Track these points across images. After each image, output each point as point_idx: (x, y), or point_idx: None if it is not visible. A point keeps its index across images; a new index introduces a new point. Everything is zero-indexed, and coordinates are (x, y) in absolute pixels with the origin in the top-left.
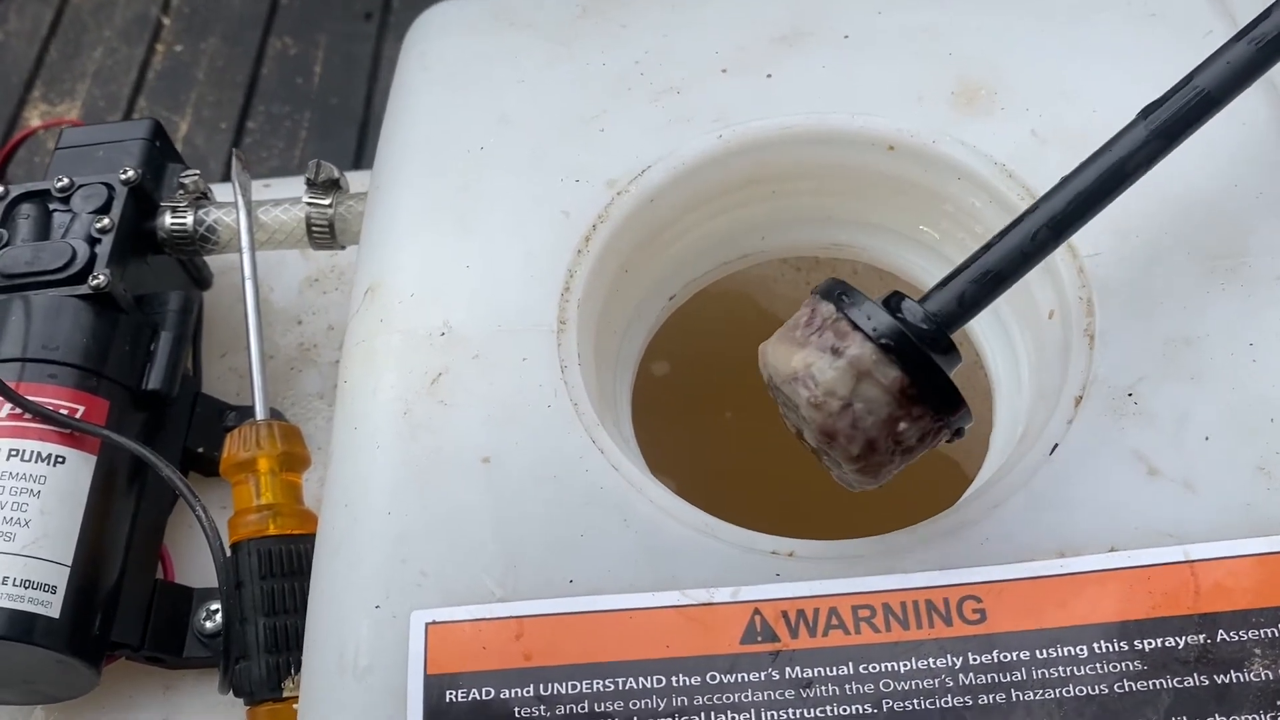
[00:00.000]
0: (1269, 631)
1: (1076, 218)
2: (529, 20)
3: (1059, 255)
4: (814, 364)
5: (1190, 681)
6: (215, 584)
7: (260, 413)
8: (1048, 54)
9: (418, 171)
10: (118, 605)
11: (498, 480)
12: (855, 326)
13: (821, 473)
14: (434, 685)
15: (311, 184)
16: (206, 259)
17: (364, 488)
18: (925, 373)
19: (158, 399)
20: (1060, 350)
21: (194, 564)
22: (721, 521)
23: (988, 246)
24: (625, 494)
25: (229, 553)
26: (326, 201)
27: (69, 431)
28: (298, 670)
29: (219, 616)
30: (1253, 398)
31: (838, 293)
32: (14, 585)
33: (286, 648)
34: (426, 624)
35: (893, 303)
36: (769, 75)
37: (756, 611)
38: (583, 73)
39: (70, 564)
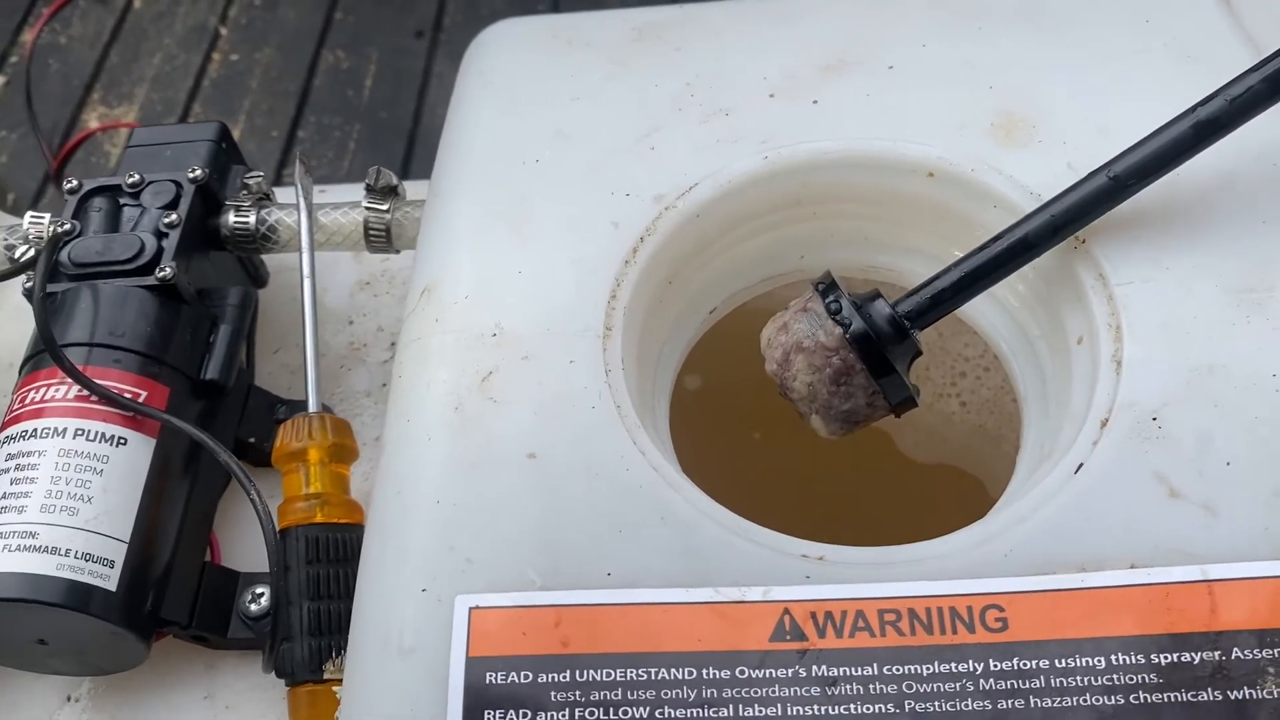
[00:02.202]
0: None
1: (1044, 241)
2: (587, 39)
3: (1089, 284)
4: (786, 326)
5: (1204, 697)
6: (259, 569)
7: (313, 405)
8: (1085, 90)
9: (476, 181)
10: (168, 584)
11: (542, 475)
12: (824, 306)
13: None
14: (475, 667)
15: (371, 189)
16: (264, 258)
17: (415, 477)
18: (859, 346)
19: (214, 388)
20: (1088, 375)
21: (239, 549)
22: (754, 524)
23: (962, 260)
24: (664, 494)
25: (268, 539)
26: (384, 207)
27: (131, 415)
28: (339, 653)
29: (264, 599)
30: (1274, 426)
31: (821, 285)
32: (75, 558)
33: (329, 631)
34: (470, 608)
35: (863, 295)
36: (815, 101)
37: (786, 611)
38: (637, 92)
39: (128, 541)
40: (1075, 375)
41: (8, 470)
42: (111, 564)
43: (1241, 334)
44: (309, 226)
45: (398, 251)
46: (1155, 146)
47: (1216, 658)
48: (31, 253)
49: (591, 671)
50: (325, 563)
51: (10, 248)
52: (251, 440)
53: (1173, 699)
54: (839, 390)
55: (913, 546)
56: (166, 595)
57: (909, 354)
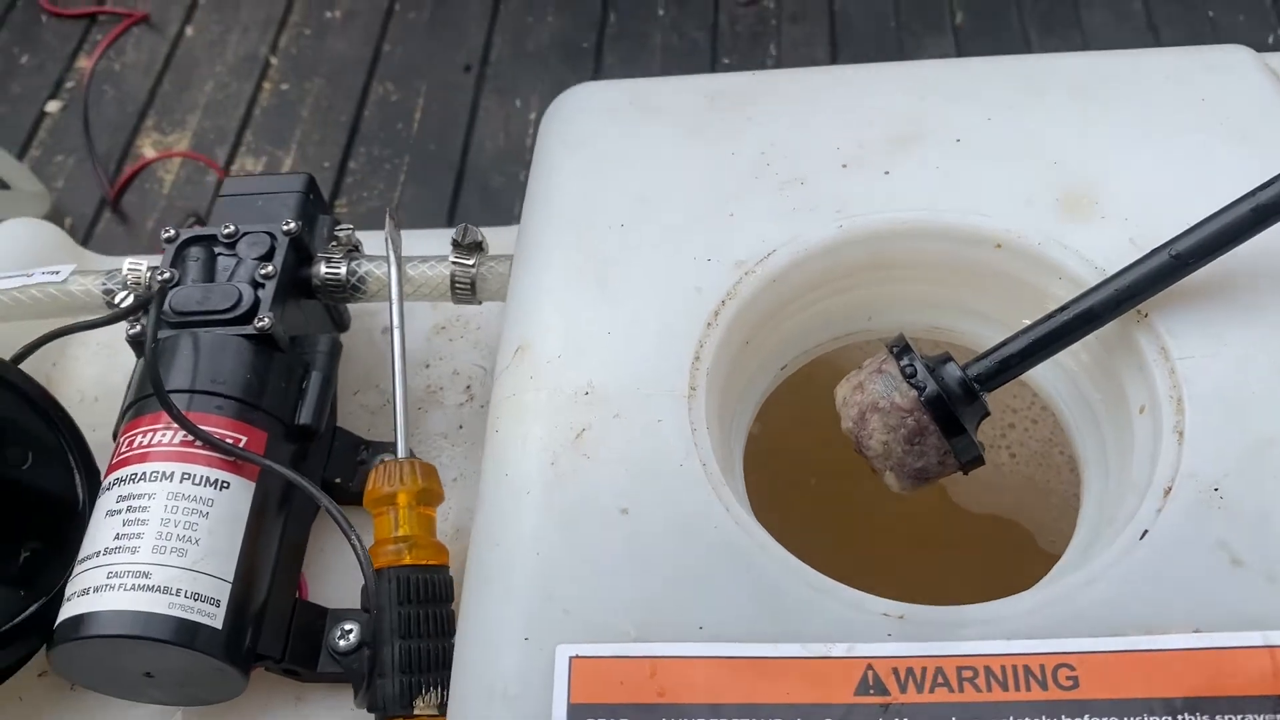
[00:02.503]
0: None
1: (1108, 312)
2: (660, 105)
3: (1151, 356)
4: (862, 386)
5: None
6: (343, 605)
7: (402, 451)
8: (1144, 167)
9: (563, 242)
10: (264, 620)
11: (635, 530)
12: (899, 369)
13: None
14: (576, 713)
15: (458, 245)
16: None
17: (515, 530)
18: (934, 409)
19: (307, 433)
20: (1149, 443)
21: (323, 586)
22: (838, 583)
23: (1030, 328)
24: (750, 552)
25: (367, 580)
26: (470, 262)
27: (233, 459)
28: (428, 690)
29: (352, 636)
30: None
31: (896, 348)
32: (185, 597)
33: (419, 669)
34: (570, 657)
35: (935, 358)
36: (886, 172)
37: (869, 667)
38: (713, 160)
39: (231, 580)
40: (1137, 443)
41: (119, 511)
42: (218, 603)
43: None
44: (399, 280)
45: (480, 303)
46: (1216, 227)
47: None
48: (131, 299)
49: None
50: (415, 603)
51: (109, 292)
52: (337, 480)
53: None
54: (913, 449)
55: (986, 606)
56: (263, 630)
57: (978, 415)
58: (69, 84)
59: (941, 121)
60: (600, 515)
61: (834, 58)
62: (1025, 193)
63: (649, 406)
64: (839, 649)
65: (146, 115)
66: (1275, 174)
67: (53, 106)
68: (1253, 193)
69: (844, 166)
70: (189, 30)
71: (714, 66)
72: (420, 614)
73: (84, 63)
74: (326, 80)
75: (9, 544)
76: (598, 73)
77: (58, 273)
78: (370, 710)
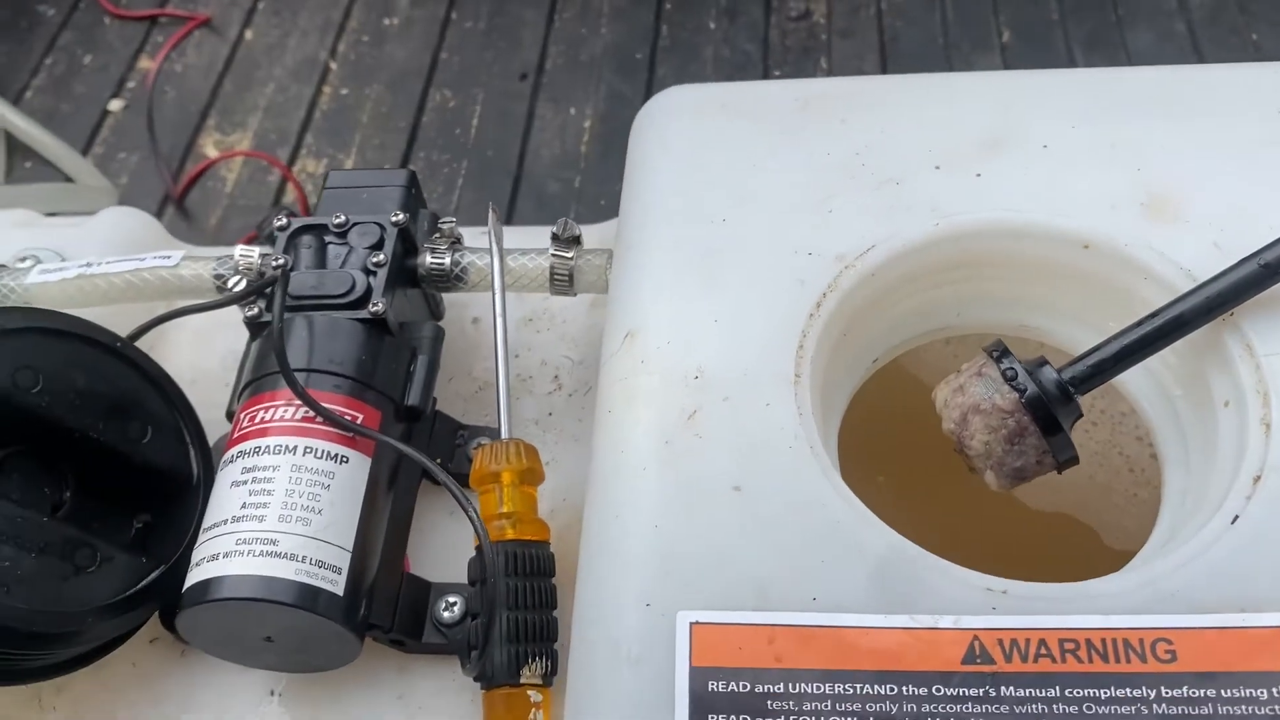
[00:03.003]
0: None
1: (1199, 319)
2: (752, 110)
3: (1237, 353)
4: (963, 389)
5: None
6: (448, 580)
7: (505, 433)
8: (1229, 174)
9: (666, 236)
10: (375, 590)
11: (747, 507)
12: (1000, 372)
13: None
14: (698, 675)
15: (557, 238)
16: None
17: (633, 503)
18: (1034, 410)
19: (414, 413)
20: (1235, 436)
21: (424, 565)
22: (942, 559)
23: (1123, 333)
24: (859, 530)
25: (485, 553)
26: (569, 255)
27: (350, 435)
28: (534, 660)
29: (456, 608)
30: None
31: (996, 352)
32: (309, 563)
33: (526, 639)
34: (691, 623)
35: (1032, 361)
36: (978, 174)
37: (976, 638)
38: (810, 160)
39: (350, 550)
40: (1221, 436)
41: (245, 482)
42: (339, 570)
43: None
44: (501, 270)
45: (574, 295)
46: None
47: None
48: (244, 283)
49: (803, 684)
50: (522, 575)
51: (219, 277)
52: (438, 461)
53: None
54: (1013, 449)
55: (1084, 584)
56: (374, 601)
57: (1073, 416)
58: (130, 84)
59: (1028, 128)
60: (714, 492)
61: (884, 73)
62: (1111, 197)
63: (757, 390)
64: (946, 621)
65: (208, 115)
66: None
67: (115, 105)
68: None
69: (937, 168)
70: (248, 34)
71: (765, 78)
72: (527, 586)
73: (145, 63)
74: (385, 86)
75: (128, 513)
76: (651, 84)
77: (169, 257)
78: (478, 679)
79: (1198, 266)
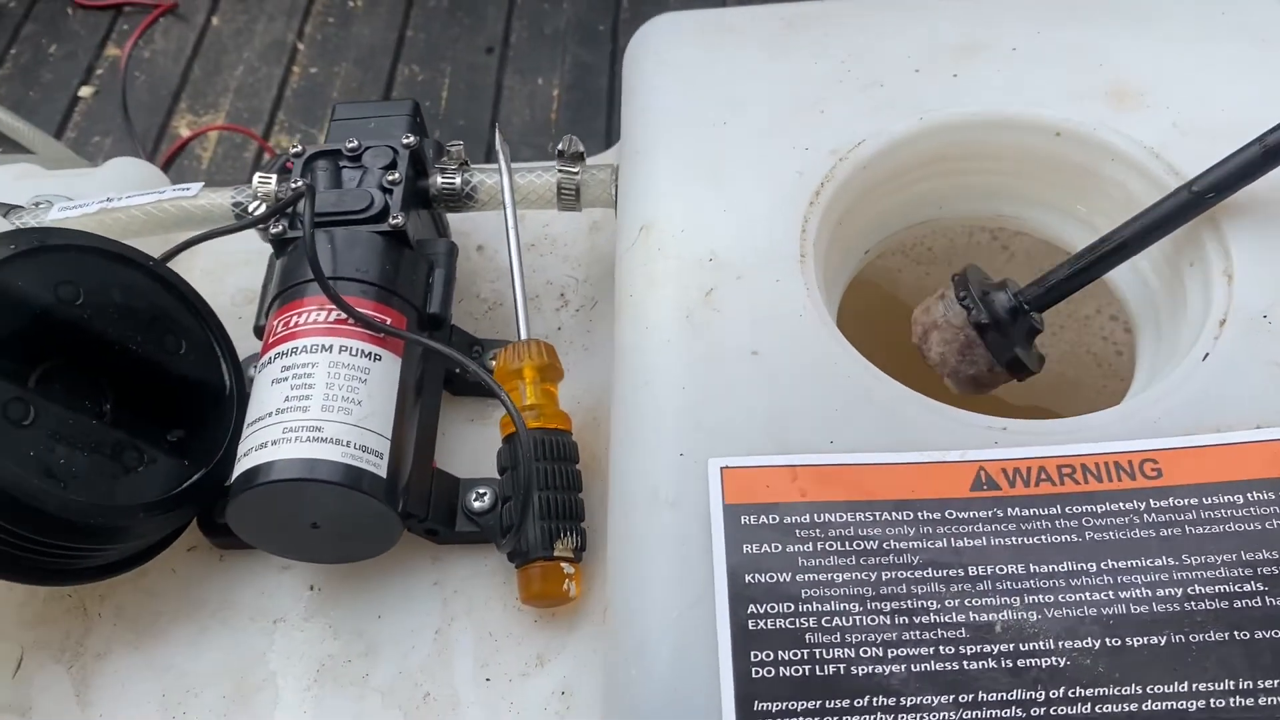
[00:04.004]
0: None
1: (1138, 244)
2: (741, 30)
3: (1200, 220)
4: (928, 309)
5: None
6: (473, 477)
7: (524, 334)
8: (1184, 66)
9: (672, 140)
10: (410, 482)
11: (765, 367)
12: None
13: None
14: (732, 511)
15: (562, 155)
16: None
17: (661, 369)
18: (980, 329)
19: (436, 321)
20: (1201, 288)
21: (447, 466)
22: (946, 404)
23: (1074, 259)
24: (868, 382)
25: (520, 436)
26: (575, 170)
27: (381, 335)
28: (565, 535)
29: (486, 498)
30: None
31: (957, 277)
32: (353, 448)
33: (557, 517)
34: (721, 468)
35: (993, 284)
36: (955, 75)
37: (982, 468)
38: (799, 70)
39: (389, 438)
40: (1189, 292)
41: (286, 379)
42: (380, 455)
43: None
44: (510, 184)
45: (580, 210)
46: (1231, 167)
47: None
48: (264, 208)
49: (828, 514)
50: (551, 460)
51: (238, 204)
52: (456, 371)
53: None
54: (964, 360)
55: (1077, 418)
56: (410, 492)
57: (1026, 331)
58: (99, 71)
59: (998, 34)
60: (734, 357)
61: None
62: (1077, 90)
63: (768, 269)
64: (954, 455)
65: (179, 99)
66: None
67: (85, 92)
68: (1262, 136)
69: (917, 71)
70: (215, 20)
71: None
72: (556, 469)
73: (113, 51)
74: (353, 64)
75: (165, 425)
76: (615, 54)
77: (188, 189)
78: (512, 557)
79: (1160, 145)
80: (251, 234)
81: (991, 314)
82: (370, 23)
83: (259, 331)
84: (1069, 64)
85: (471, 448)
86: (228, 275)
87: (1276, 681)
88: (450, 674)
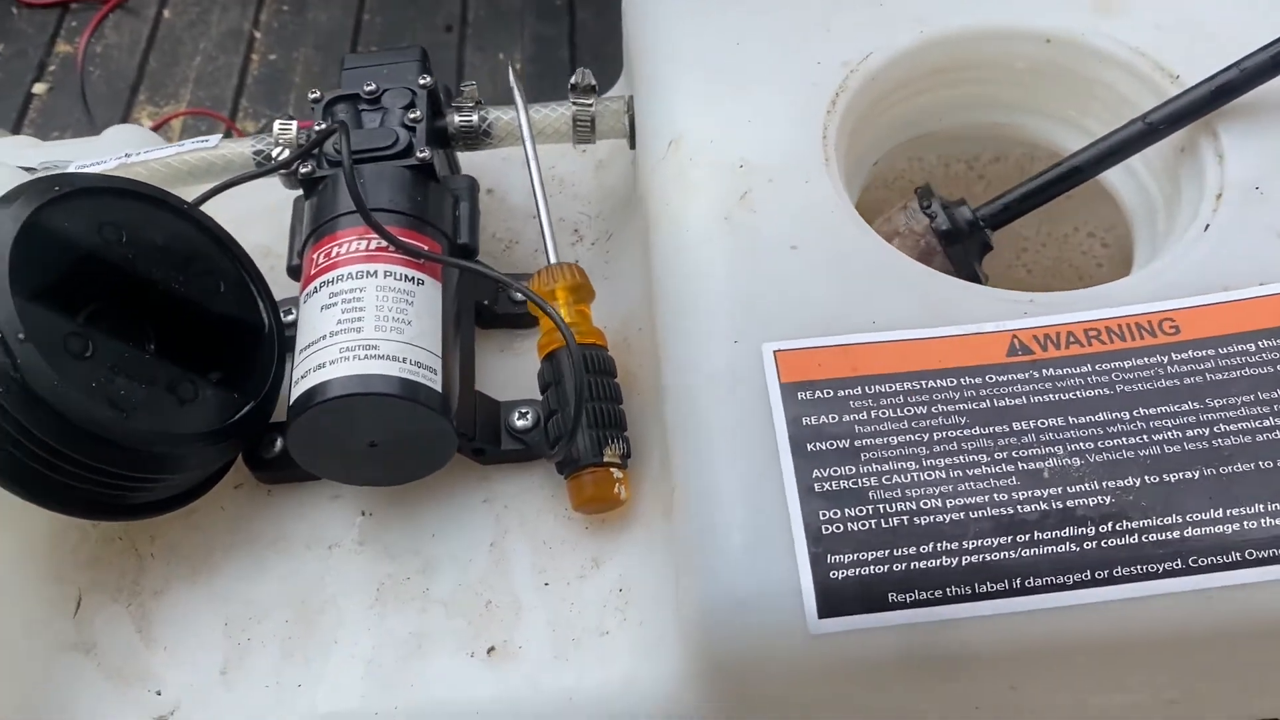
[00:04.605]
0: None
1: (1092, 169)
2: None
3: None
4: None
5: None
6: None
7: (553, 258)
8: None
9: (690, 59)
10: (458, 401)
11: (805, 259)
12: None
13: None
14: (789, 388)
15: (575, 88)
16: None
17: (706, 266)
18: (941, 236)
19: (466, 251)
20: (1194, 171)
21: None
22: (975, 284)
23: (1027, 181)
24: (902, 268)
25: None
26: (589, 102)
27: (421, 261)
28: (613, 442)
29: (529, 416)
30: None
31: (920, 190)
32: (409, 364)
33: (603, 425)
34: (774, 351)
35: (953, 201)
36: None
37: (1015, 336)
38: None
39: (440, 355)
40: (1183, 175)
41: (335, 304)
42: (434, 371)
43: None
44: (527, 117)
45: (595, 141)
46: (1183, 102)
47: None
48: (286, 153)
49: (878, 385)
50: (594, 373)
51: (259, 153)
52: (485, 302)
53: None
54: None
55: (1096, 288)
56: (459, 411)
57: (979, 246)
58: (51, 67)
59: None
60: (775, 251)
61: None
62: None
63: (797, 171)
64: (989, 326)
65: (138, 91)
66: (1234, 61)
67: (39, 89)
68: (1215, 75)
69: None
70: (166, 12)
71: None
72: (600, 382)
73: (63, 47)
74: (313, 48)
75: (212, 359)
76: (574, 27)
77: (208, 140)
78: (561, 467)
79: (1144, 44)
80: (263, 191)
81: (952, 222)
82: (326, 8)
83: (293, 272)
84: None
85: (505, 376)
86: (240, 233)
87: None
88: (509, 582)
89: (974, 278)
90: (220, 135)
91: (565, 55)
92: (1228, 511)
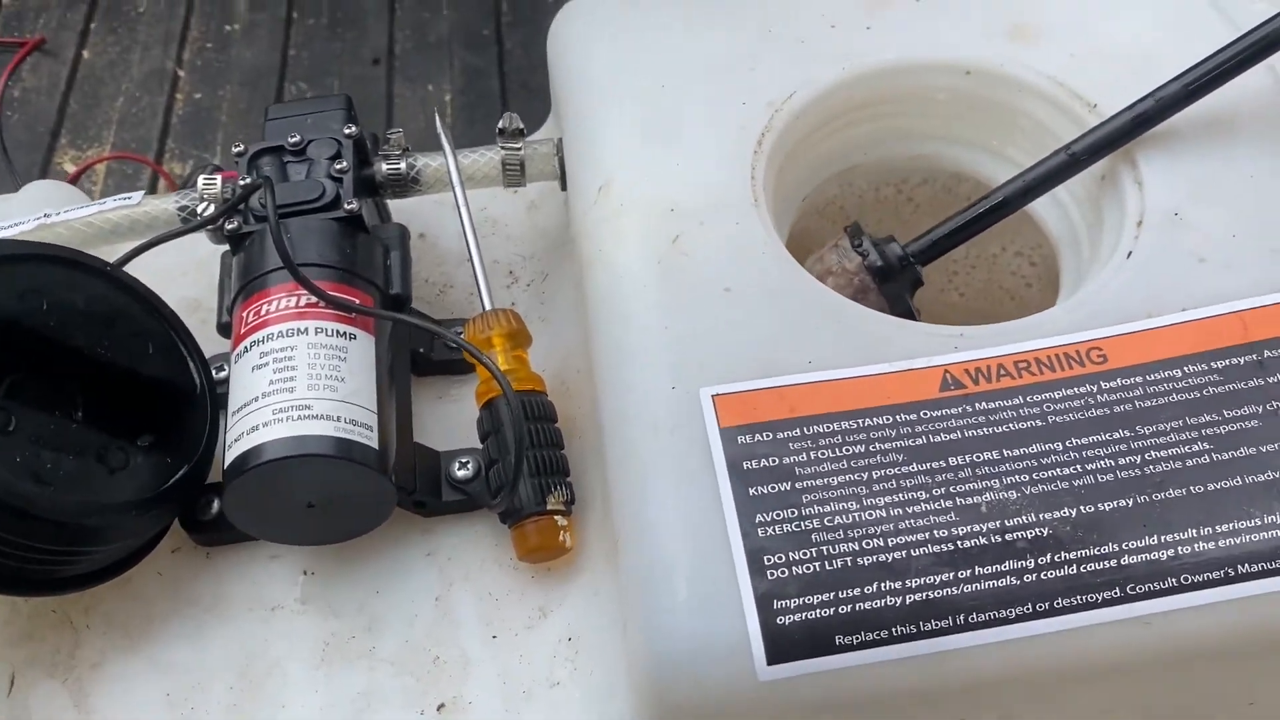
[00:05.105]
0: None
1: (1018, 201)
2: (662, 2)
3: None
4: (822, 258)
5: (1254, 382)
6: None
7: (488, 305)
8: (1075, 5)
9: (616, 105)
10: (396, 456)
11: (739, 302)
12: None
13: None
14: (728, 432)
15: (504, 132)
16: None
17: (642, 311)
18: (874, 274)
19: (399, 302)
20: (1116, 199)
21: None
22: (903, 319)
23: (955, 216)
24: (837, 306)
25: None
26: (518, 146)
27: (352, 315)
28: (555, 489)
29: (469, 466)
30: (1263, 209)
31: (850, 229)
32: (343, 422)
33: (546, 473)
34: (712, 395)
35: (882, 239)
36: (868, 27)
37: (947, 371)
38: (725, 34)
39: (375, 411)
40: (1104, 203)
41: (266, 364)
42: (370, 427)
43: (1219, 151)
44: (455, 162)
45: (525, 184)
46: (1103, 133)
47: (1254, 358)
48: (212, 209)
49: (816, 426)
50: (534, 420)
51: (184, 208)
52: (420, 350)
53: (1230, 387)
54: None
55: (1023, 320)
56: (396, 466)
57: (911, 281)
58: None
59: None
60: (709, 295)
61: None
62: (981, 31)
63: (727, 214)
64: (920, 362)
65: (59, 135)
66: (1150, 91)
67: None
68: (1133, 105)
69: (833, 27)
70: (86, 53)
71: None
72: (540, 428)
73: None
74: (240, 86)
75: (143, 423)
76: (502, 56)
77: (130, 198)
78: (504, 517)
79: (1060, 72)
80: (188, 245)
81: (884, 260)
82: (251, 45)
83: (223, 329)
84: (970, 9)
85: (444, 424)
86: (169, 288)
87: (1231, 525)
88: (457, 636)
89: (908, 312)
90: (143, 192)
91: (495, 86)
92: (1162, 538)
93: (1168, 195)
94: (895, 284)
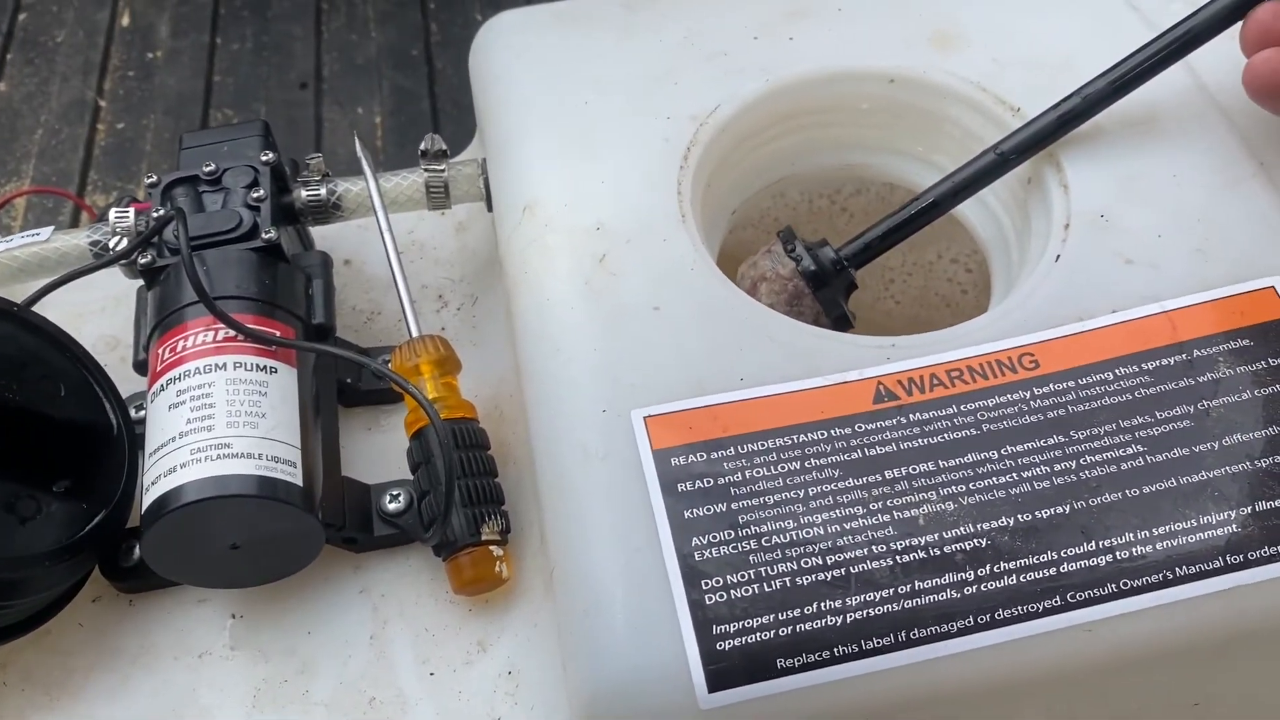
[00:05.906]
0: (1225, 345)
1: (949, 202)
2: (585, 17)
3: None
4: (755, 264)
5: (1184, 382)
6: (380, 481)
7: (415, 332)
8: (995, 11)
9: (539, 124)
10: (324, 491)
11: (668, 320)
12: (784, 250)
13: None
14: (661, 454)
15: (426, 154)
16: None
17: (570, 335)
18: (808, 278)
19: (322, 331)
20: (1042, 203)
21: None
22: (835, 332)
23: (887, 218)
24: (765, 322)
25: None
26: (441, 168)
27: (273, 348)
28: (490, 519)
29: (400, 499)
30: (1186, 207)
31: (783, 234)
32: (265, 460)
33: (479, 502)
34: (644, 417)
35: (814, 243)
36: (790, 38)
37: (880, 383)
38: (647, 48)
39: (299, 447)
40: (1031, 207)
41: (183, 402)
42: (294, 464)
43: (1142, 153)
44: (378, 188)
45: (450, 206)
46: (1030, 132)
47: (1184, 357)
48: (125, 243)
49: (750, 444)
50: (465, 448)
51: (96, 243)
52: (348, 380)
53: (1161, 388)
54: (793, 310)
55: (954, 328)
56: (325, 502)
57: (844, 285)
58: None
59: None
60: (637, 314)
61: None
62: (903, 39)
63: (653, 231)
64: (853, 375)
65: None
66: (1076, 88)
67: None
68: (1058, 104)
69: (755, 38)
70: (2, 86)
71: None
72: (472, 456)
73: None
74: (164, 114)
75: (58, 468)
76: (432, 76)
77: (39, 234)
78: (439, 550)
79: (983, 78)
80: (103, 281)
81: (818, 264)
82: (174, 72)
83: (140, 367)
84: (891, 18)
85: (374, 456)
86: (85, 326)
87: (1168, 528)
88: (393, 675)
89: (843, 318)
90: (52, 228)
91: (426, 106)
92: (1100, 543)
93: (1093, 197)
94: (830, 288)
